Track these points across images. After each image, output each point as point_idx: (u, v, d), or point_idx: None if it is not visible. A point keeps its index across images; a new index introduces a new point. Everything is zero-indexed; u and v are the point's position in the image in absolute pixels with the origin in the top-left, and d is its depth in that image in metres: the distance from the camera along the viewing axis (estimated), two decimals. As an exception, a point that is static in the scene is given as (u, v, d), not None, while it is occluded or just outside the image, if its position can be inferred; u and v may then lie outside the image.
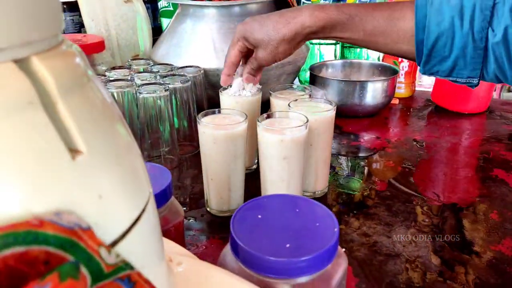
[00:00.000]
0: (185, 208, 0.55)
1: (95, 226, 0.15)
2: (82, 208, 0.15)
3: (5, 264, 0.13)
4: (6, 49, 0.14)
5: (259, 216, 0.31)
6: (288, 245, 0.28)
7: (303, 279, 0.28)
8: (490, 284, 0.42)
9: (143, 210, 0.19)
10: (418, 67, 0.52)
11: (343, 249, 0.32)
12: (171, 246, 0.31)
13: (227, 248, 0.31)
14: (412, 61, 0.51)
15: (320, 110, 0.53)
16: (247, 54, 0.60)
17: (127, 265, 0.17)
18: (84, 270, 0.15)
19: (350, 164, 0.68)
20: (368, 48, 0.57)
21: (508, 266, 0.44)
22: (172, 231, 0.37)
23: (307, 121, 0.48)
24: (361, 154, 0.72)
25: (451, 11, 0.46)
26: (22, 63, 0.14)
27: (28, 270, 0.14)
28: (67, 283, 0.12)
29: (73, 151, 0.15)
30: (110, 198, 0.17)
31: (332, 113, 0.53)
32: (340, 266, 0.30)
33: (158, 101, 0.62)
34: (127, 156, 0.19)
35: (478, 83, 0.49)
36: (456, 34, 0.46)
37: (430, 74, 0.51)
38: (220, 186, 0.52)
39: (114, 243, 0.17)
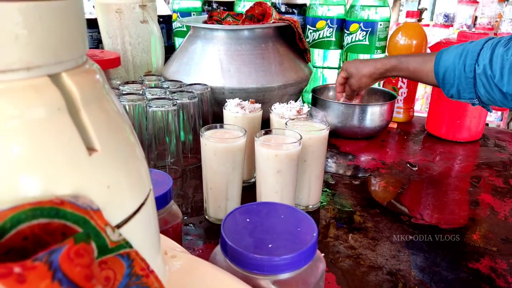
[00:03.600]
0: (185, 217, 0.59)
1: (103, 210, 0.19)
2: (94, 194, 0.19)
3: (32, 232, 0.17)
4: (42, 66, 0.18)
5: (248, 220, 0.35)
6: (270, 245, 0.32)
7: (282, 276, 0.31)
8: (465, 299, 0.45)
9: (143, 203, 0.23)
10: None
11: (322, 254, 0.35)
12: (167, 242, 0.35)
13: (218, 248, 0.35)
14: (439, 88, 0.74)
15: (314, 129, 0.57)
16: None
17: (127, 244, 0.20)
18: (92, 243, 0.18)
19: (344, 182, 0.71)
20: (413, 80, 0.88)
21: (483, 283, 0.47)
22: (170, 232, 0.41)
23: (301, 138, 0.52)
24: (356, 174, 0.75)
25: (455, 53, 0.68)
26: (54, 78, 0.18)
27: (49, 239, 0.17)
28: (80, 245, 0.16)
29: (90, 149, 0.19)
30: (116, 189, 0.21)
31: (326, 132, 0.56)
32: (318, 268, 0.34)
33: (166, 115, 0.66)
34: (132, 157, 0.23)
35: (482, 104, 0.69)
36: (456, 68, 0.68)
37: (450, 97, 0.72)
38: (218, 195, 0.55)
39: (118, 226, 0.21)
